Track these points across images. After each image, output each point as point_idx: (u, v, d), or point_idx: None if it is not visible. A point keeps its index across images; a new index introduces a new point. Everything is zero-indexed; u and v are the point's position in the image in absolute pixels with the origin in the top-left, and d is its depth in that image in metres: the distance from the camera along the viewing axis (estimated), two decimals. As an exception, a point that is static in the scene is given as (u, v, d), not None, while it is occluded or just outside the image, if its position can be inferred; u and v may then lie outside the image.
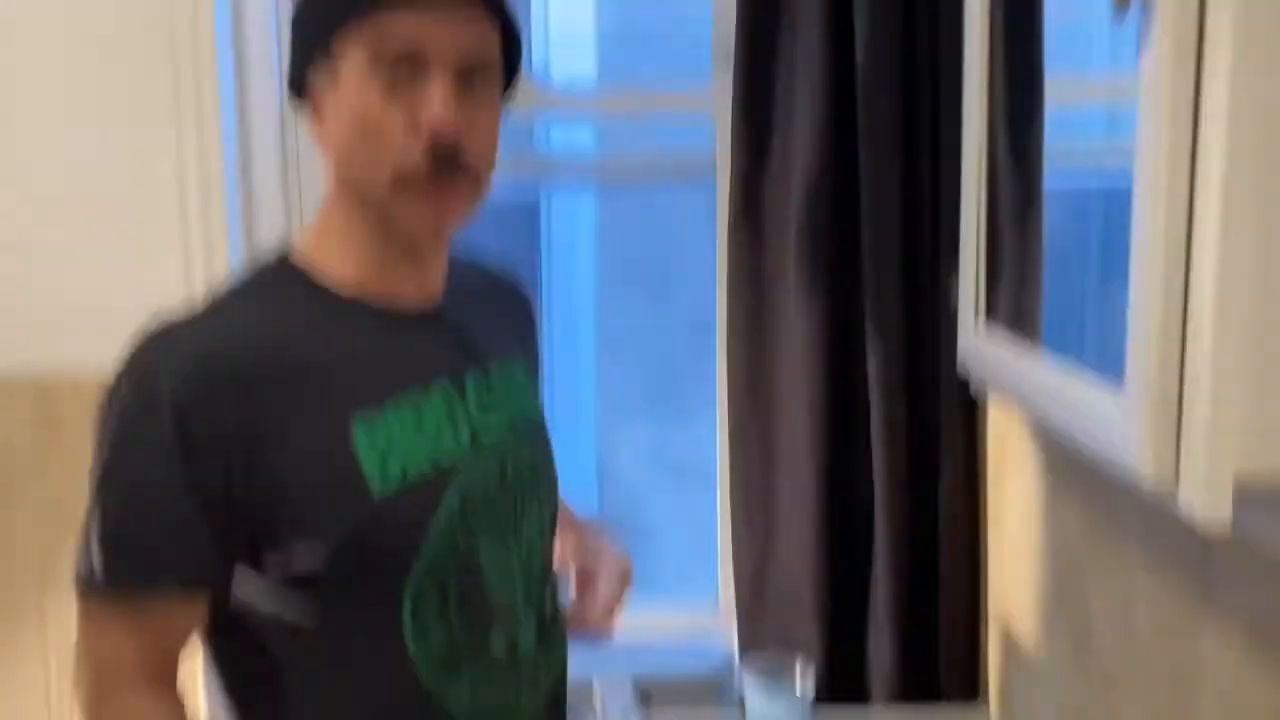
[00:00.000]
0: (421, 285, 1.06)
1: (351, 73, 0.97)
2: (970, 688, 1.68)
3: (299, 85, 1.03)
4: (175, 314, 1.00)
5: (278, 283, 1.03)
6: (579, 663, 2.08)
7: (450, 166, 0.97)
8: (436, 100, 0.96)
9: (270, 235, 1.72)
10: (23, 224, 1.61)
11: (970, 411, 1.63)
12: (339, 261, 1.02)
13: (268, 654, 1.00)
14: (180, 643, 1.01)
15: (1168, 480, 0.81)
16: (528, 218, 4.30)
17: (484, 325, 1.12)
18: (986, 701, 1.65)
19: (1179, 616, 1.04)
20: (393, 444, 0.98)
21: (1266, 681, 0.89)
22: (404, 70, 0.96)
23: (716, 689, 1.81)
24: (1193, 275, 0.78)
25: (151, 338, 0.98)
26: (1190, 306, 0.79)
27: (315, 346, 0.99)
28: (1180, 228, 0.79)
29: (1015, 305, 1.22)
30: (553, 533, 1.16)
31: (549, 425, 1.18)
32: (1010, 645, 1.55)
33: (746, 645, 1.79)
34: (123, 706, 0.98)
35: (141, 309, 1.43)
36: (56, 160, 1.60)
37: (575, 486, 4.23)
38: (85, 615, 0.99)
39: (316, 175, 1.83)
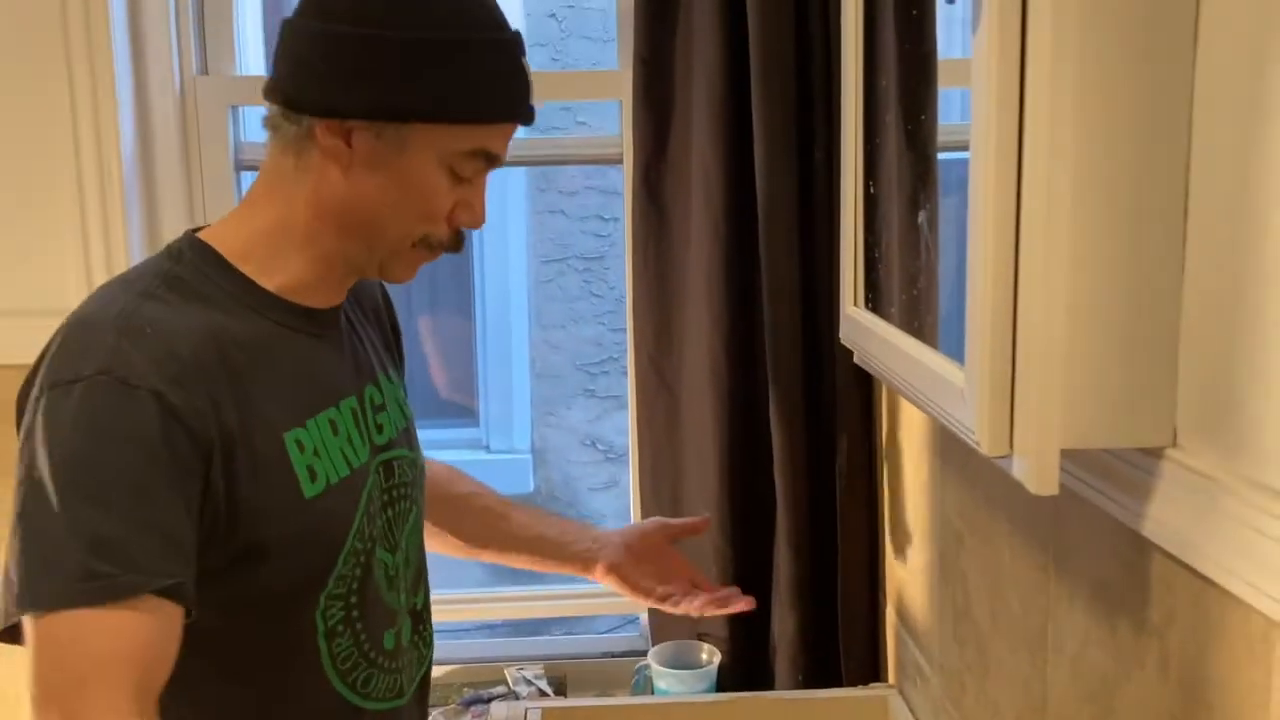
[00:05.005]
0: (334, 298, 1.10)
1: (430, 152, 1.00)
2: (871, 669, 1.71)
3: (309, 105, 0.99)
4: (112, 302, 0.96)
5: (215, 279, 1.02)
6: (492, 647, 2.10)
7: (459, 244, 1.06)
8: (480, 204, 1.05)
9: (172, 230, 1.72)
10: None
11: (866, 389, 1.66)
12: (275, 269, 1.04)
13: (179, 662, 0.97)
14: (169, 657, 0.91)
15: (1003, 453, 0.84)
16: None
17: (367, 332, 1.16)
18: (886, 683, 1.68)
19: (1036, 585, 1.08)
20: (317, 450, 1.03)
21: (1108, 641, 0.93)
22: (473, 165, 1.02)
23: (629, 672, 1.84)
24: (1021, 258, 0.81)
25: (113, 331, 0.93)
26: (1020, 286, 0.82)
27: (257, 351, 1.00)
28: (1009, 213, 0.81)
29: (885, 285, 1.25)
30: (422, 528, 1.20)
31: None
32: (904, 623, 1.58)
33: (657, 628, 1.82)
34: None
35: (39, 304, 1.43)
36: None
37: (511, 467, 4.17)
38: (51, 627, 0.87)
39: (217, 167, 1.83)
